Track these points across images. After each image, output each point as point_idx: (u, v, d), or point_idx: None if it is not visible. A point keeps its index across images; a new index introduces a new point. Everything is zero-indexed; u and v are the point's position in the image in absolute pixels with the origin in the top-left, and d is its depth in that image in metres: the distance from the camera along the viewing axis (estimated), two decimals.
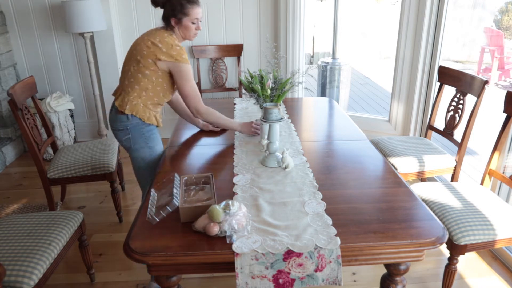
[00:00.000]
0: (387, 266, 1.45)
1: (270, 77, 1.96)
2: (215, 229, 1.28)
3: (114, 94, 2.05)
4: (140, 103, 1.93)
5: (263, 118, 1.77)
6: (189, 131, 2.30)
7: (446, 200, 1.92)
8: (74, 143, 3.83)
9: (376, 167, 1.82)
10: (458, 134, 2.43)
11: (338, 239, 1.28)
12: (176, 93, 2.18)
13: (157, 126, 2.04)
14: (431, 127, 2.67)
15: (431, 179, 2.98)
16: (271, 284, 1.26)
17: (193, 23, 1.92)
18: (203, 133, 2.26)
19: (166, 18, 1.93)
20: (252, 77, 1.96)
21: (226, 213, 1.31)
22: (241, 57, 3.96)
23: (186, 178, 1.58)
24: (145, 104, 1.95)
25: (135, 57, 1.89)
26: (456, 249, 1.74)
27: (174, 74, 1.91)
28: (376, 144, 2.62)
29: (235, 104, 2.75)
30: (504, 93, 2.03)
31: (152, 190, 1.54)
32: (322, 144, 2.11)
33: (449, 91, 2.58)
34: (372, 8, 10.03)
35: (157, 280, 1.38)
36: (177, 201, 1.39)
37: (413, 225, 1.36)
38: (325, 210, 1.45)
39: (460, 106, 2.43)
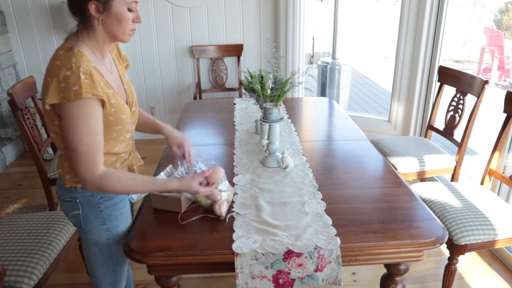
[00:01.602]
0: (387, 266, 1.45)
1: (270, 77, 1.96)
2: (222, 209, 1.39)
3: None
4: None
5: (263, 118, 1.77)
6: (189, 131, 2.30)
7: (446, 200, 1.92)
8: None
9: (376, 167, 1.82)
10: (458, 134, 2.43)
11: (338, 239, 1.28)
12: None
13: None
14: (431, 127, 2.67)
15: (431, 179, 2.98)
16: (271, 284, 1.26)
17: (130, 9, 1.23)
18: (203, 133, 2.26)
19: (77, 8, 1.19)
20: (252, 77, 1.96)
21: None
22: (241, 57, 3.96)
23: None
24: None
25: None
26: (456, 249, 1.74)
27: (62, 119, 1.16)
28: (376, 144, 2.62)
29: (235, 104, 2.75)
30: (504, 93, 2.03)
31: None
32: (322, 144, 2.11)
33: (449, 91, 2.58)
34: (372, 8, 10.03)
35: (157, 280, 1.38)
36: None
37: (413, 225, 1.36)
38: (325, 210, 1.45)
39: (460, 106, 2.43)
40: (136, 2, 1.24)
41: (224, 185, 1.47)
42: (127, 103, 1.34)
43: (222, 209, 1.40)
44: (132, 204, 1.52)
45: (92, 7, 1.15)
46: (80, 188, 1.29)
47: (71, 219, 1.36)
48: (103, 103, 1.18)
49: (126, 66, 1.47)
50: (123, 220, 1.40)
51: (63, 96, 1.10)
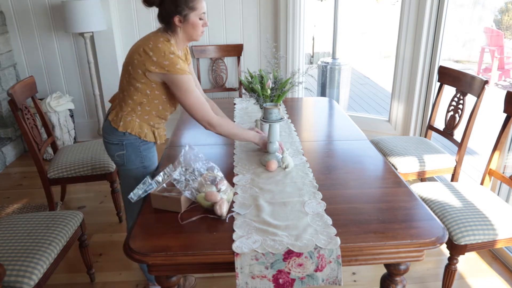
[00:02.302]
0: (387, 266, 1.45)
1: (270, 77, 1.96)
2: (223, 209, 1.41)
3: (111, 101, 1.83)
4: (136, 118, 1.69)
5: (263, 118, 1.77)
6: (189, 131, 2.30)
7: (446, 200, 1.92)
8: (74, 143, 3.83)
9: (376, 167, 1.82)
10: (458, 134, 2.43)
11: (338, 239, 1.28)
12: None
13: (155, 142, 1.80)
14: (431, 127, 2.67)
15: (431, 179, 2.98)
16: (271, 284, 1.26)
17: (200, 18, 1.66)
18: (203, 133, 2.26)
19: (165, 18, 1.65)
20: (252, 77, 1.96)
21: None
22: (241, 57, 3.96)
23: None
24: (141, 119, 1.71)
25: (127, 67, 1.66)
26: (456, 249, 1.74)
27: (170, 86, 1.65)
28: (376, 144, 2.62)
29: (235, 104, 2.75)
30: (504, 93, 2.03)
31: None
32: (322, 144, 2.11)
33: (449, 91, 2.58)
34: (372, 8, 10.03)
35: (157, 280, 1.38)
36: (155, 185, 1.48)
37: (413, 225, 1.36)
38: (325, 210, 1.45)
39: (460, 106, 2.43)
40: (204, 13, 1.67)
41: (224, 185, 1.48)
42: None
43: (222, 209, 1.40)
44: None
45: (176, 19, 1.62)
46: (128, 133, 1.68)
47: (116, 158, 1.74)
48: None
49: (188, 64, 1.92)
50: (154, 162, 1.82)
51: (170, 70, 1.57)
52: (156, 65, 1.57)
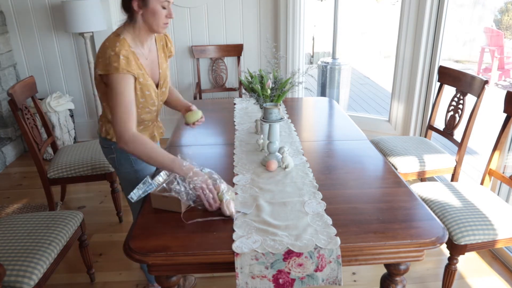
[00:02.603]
0: (387, 266, 1.45)
1: (270, 77, 1.96)
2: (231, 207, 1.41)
3: None
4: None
5: (263, 118, 1.77)
6: (189, 131, 2.30)
7: (446, 200, 1.92)
8: (74, 143, 3.83)
9: (376, 167, 1.82)
10: (458, 134, 2.43)
11: (338, 239, 1.28)
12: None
13: None
14: (431, 127, 2.67)
15: (431, 179, 2.98)
16: (271, 284, 1.26)
17: (163, 7, 1.50)
18: (203, 133, 2.26)
19: (125, 4, 1.53)
20: (252, 77, 1.96)
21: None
22: (241, 57, 3.96)
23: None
24: None
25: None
26: (456, 249, 1.74)
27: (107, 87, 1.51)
28: (376, 144, 2.62)
29: (235, 104, 2.75)
30: (504, 93, 2.03)
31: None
32: (322, 144, 2.11)
33: (449, 91, 2.58)
34: (372, 8, 10.03)
35: (157, 280, 1.38)
36: (154, 185, 1.47)
37: (413, 225, 1.36)
38: (325, 210, 1.45)
39: (460, 106, 2.43)
40: (169, 2, 1.52)
41: (224, 186, 1.48)
42: (157, 84, 1.68)
43: (231, 209, 1.40)
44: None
45: (135, 4, 1.49)
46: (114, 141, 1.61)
47: (109, 161, 1.74)
48: (135, 79, 1.52)
49: (169, 55, 1.79)
50: (147, 165, 1.69)
51: (107, 69, 1.45)
52: (99, 66, 1.48)
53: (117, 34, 1.52)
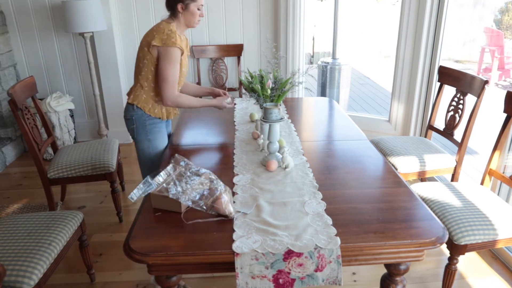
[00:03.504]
0: (387, 266, 1.45)
1: (270, 77, 1.96)
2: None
3: (128, 93, 2.15)
4: (143, 94, 2.02)
5: (263, 118, 1.77)
6: (189, 131, 2.30)
7: (446, 200, 1.92)
8: (74, 143, 3.83)
9: (376, 167, 1.82)
10: (458, 134, 2.43)
11: (338, 239, 1.28)
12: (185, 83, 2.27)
13: (161, 119, 2.07)
14: (431, 127, 2.67)
15: (431, 179, 2.98)
16: (271, 284, 1.26)
17: (198, 9, 2.00)
18: (203, 133, 2.26)
19: (171, 5, 2.00)
20: (252, 77, 1.96)
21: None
22: (241, 57, 3.96)
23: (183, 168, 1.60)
24: (148, 95, 2.02)
25: (138, 51, 2.02)
26: (456, 249, 1.74)
27: (159, 58, 1.94)
28: (376, 144, 2.62)
29: (235, 104, 2.75)
30: (504, 93, 2.03)
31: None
32: (322, 144, 2.11)
33: (449, 91, 2.58)
34: (372, 8, 10.03)
35: (157, 280, 1.38)
36: (154, 185, 1.49)
37: (413, 225, 1.36)
38: (325, 210, 1.45)
39: (460, 106, 2.43)
40: (202, 5, 2.02)
41: (221, 185, 1.48)
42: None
43: (229, 208, 1.40)
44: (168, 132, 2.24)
45: (179, 6, 1.98)
46: (136, 107, 2.02)
47: (130, 132, 2.10)
48: (181, 53, 1.98)
49: (188, 53, 2.18)
50: (160, 138, 2.10)
51: (165, 43, 1.90)
52: (156, 39, 1.91)
53: (168, 22, 1.98)
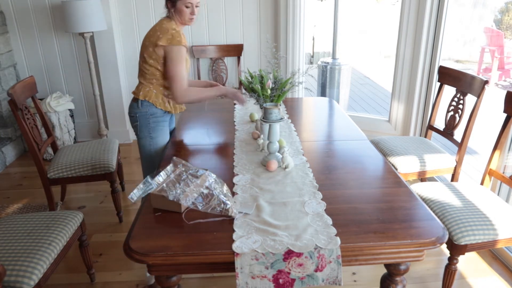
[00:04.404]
0: (387, 266, 1.45)
1: (270, 77, 1.96)
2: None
3: (133, 92, 2.18)
4: (153, 89, 2.07)
5: (263, 118, 1.77)
6: (189, 131, 2.30)
7: (446, 200, 1.92)
8: (74, 143, 3.83)
9: (376, 167, 1.82)
10: (458, 134, 2.43)
11: (338, 239, 1.28)
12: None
13: (170, 112, 2.13)
14: (431, 127, 2.67)
15: (431, 179, 2.98)
16: (271, 284, 1.26)
17: (186, 6, 1.99)
18: (203, 133, 2.26)
19: (165, 4, 2.05)
20: (252, 77, 1.96)
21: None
22: (241, 57, 3.96)
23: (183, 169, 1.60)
24: (157, 90, 2.07)
25: (141, 51, 2.05)
26: (456, 249, 1.74)
27: (166, 57, 1.98)
28: (376, 144, 2.62)
29: (235, 104, 2.75)
30: (504, 93, 2.03)
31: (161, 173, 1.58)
32: (322, 144, 2.11)
33: (449, 91, 2.58)
34: (372, 8, 10.03)
35: (157, 280, 1.38)
36: (154, 185, 1.50)
37: (413, 225, 1.36)
38: (325, 210, 1.45)
39: (460, 106, 2.43)
40: (191, 3, 1.99)
41: (218, 184, 1.48)
42: None
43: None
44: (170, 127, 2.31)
45: (168, 4, 2.03)
46: (144, 104, 2.06)
47: (133, 129, 2.14)
48: (186, 50, 2.02)
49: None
50: (162, 135, 2.14)
51: (171, 42, 1.94)
52: (162, 39, 1.95)
53: (168, 20, 2.02)
